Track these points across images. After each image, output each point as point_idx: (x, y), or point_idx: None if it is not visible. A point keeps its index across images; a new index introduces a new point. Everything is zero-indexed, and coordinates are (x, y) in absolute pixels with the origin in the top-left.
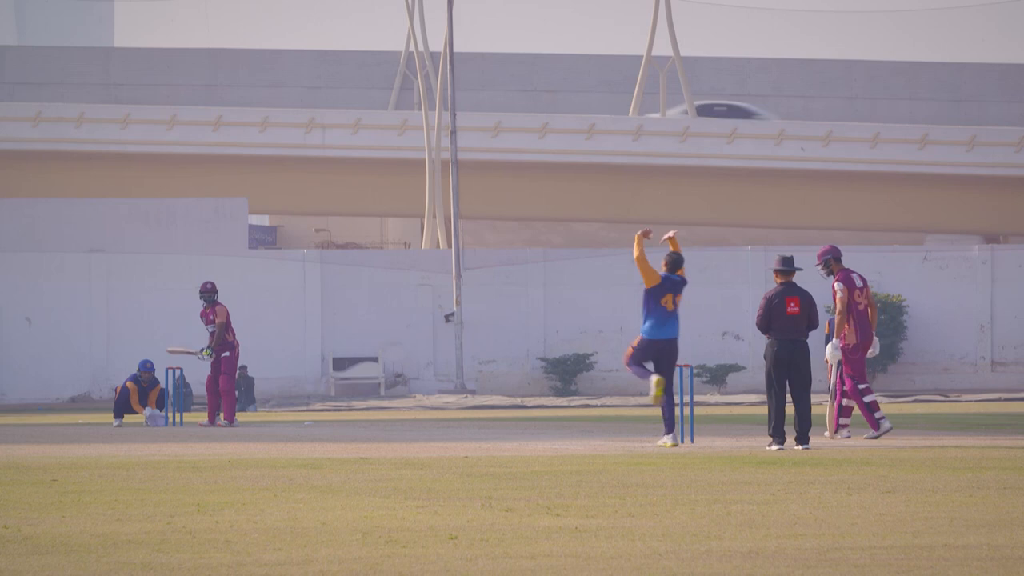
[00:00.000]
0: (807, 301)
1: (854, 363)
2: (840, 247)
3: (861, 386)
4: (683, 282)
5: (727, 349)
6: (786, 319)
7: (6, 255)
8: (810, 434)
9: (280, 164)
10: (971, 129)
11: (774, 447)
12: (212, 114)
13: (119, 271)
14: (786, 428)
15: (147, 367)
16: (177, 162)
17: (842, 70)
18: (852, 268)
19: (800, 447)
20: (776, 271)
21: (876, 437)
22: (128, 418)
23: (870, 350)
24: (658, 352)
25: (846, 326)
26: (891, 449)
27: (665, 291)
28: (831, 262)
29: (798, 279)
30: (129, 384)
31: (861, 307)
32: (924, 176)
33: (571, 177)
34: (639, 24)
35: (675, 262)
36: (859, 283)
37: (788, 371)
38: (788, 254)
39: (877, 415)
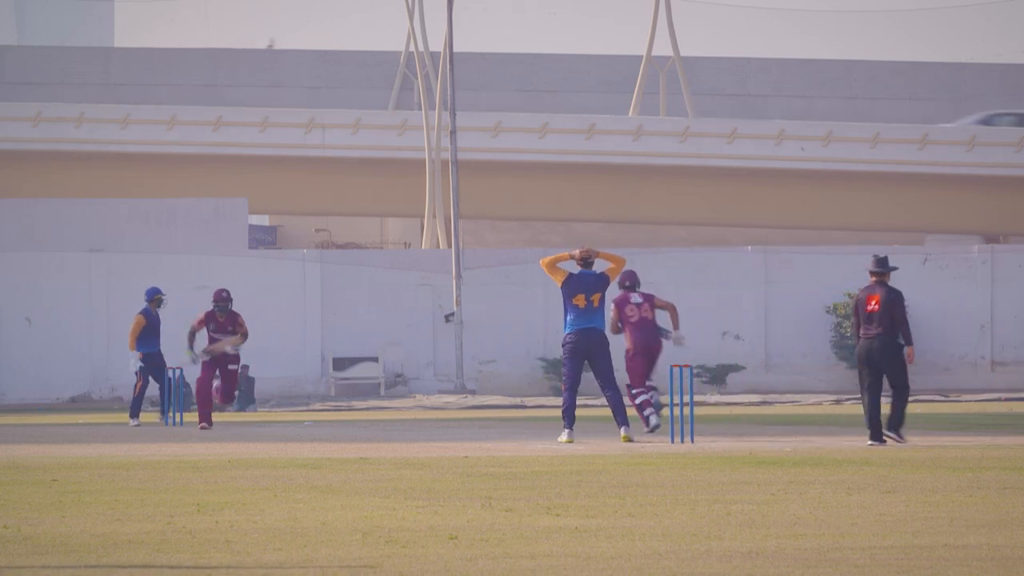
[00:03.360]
0: (888, 299)
1: (631, 368)
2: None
3: (635, 390)
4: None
5: (727, 349)
6: (866, 316)
7: (6, 255)
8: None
9: (280, 164)
10: (971, 129)
11: (869, 443)
12: (212, 114)
13: (119, 271)
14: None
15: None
16: (177, 162)
17: (842, 70)
18: (634, 290)
19: (885, 435)
20: (870, 272)
21: (649, 431)
22: (144, 416)
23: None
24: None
25: (625, 334)
26: (891, 449)
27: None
28: (624, 285)
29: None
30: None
31: (634, 320)
32: (924, 176)
33: (571, 177)
34: (639, 24)
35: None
36: (636, 299)
37: (870, 367)
38: (883, 255)
39: (646, 412)
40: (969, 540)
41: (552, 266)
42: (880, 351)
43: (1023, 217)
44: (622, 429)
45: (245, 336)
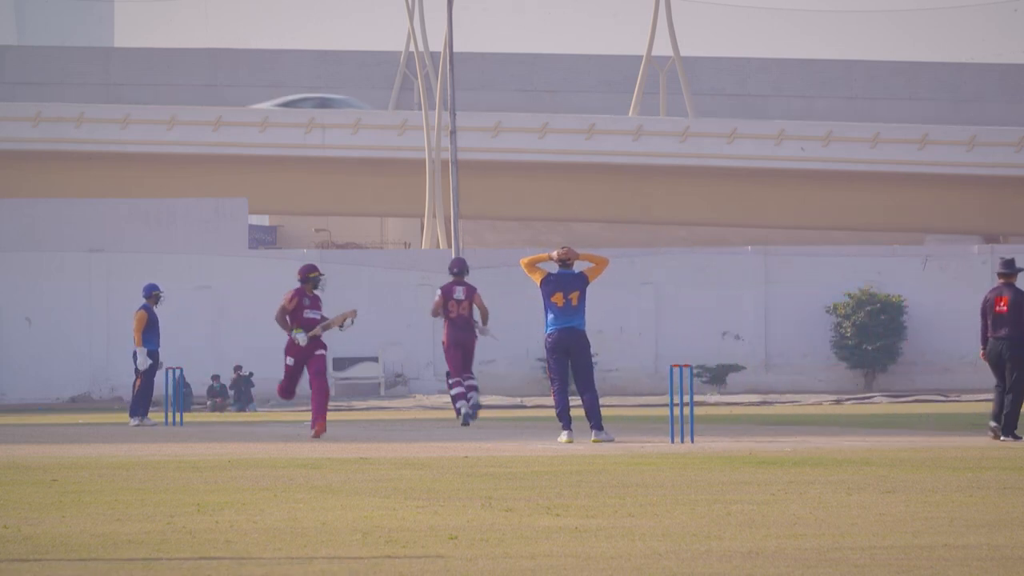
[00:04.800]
0: (1017, 301)
1: (448, 359)
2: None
3: (451, 380)
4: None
5: (727, 349)
6: (994, 317)
7: (6, 255)
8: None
9: (280, 164)
10: (971, 129)
11: (1001, 439)
12: (212, 114)
13: (119, 271)
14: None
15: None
16: (177, 162)
17: (842, 70)
18: (466, 283)
19: (1002, 439)
20: (998, 273)
21: (462, 423)
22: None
23: (483, 335)
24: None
25: (444, 328)
26: (891, 449)
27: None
28: (454, 273)
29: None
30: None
31: (453, 315)
32: (924, 176)
33: (571, 177)
34: (639, 24)
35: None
36: (459, 295)
37: (998, 368)
38: (1009, 256)
39: (457, 404)
40: (969, 540)
41: (531, 266)
42: (1008, 352)
43: (1023, 217)
44: (594, 432)
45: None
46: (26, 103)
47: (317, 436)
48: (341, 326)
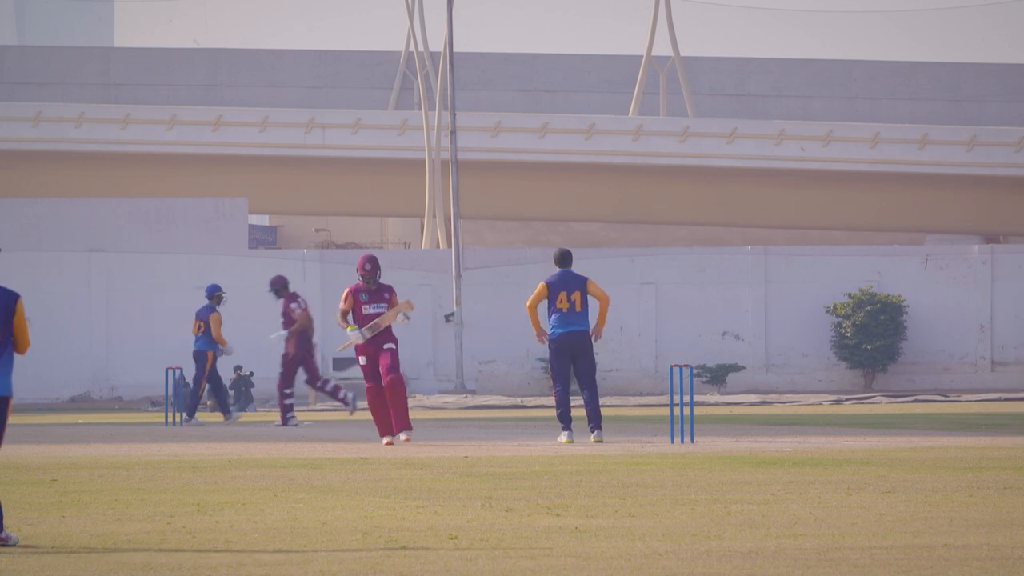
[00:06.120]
0: None
1: (288, 370)
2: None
3: (287, 391)
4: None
5: (727, 349)
6: None
7: (6, 255)
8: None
9: (280, 164)
10: (971, 129)
11: None
12: (212, 114)
13: (119, 271)
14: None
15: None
16: (177, 162)
17: (842, 70)
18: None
19: None
20: None
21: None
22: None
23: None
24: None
25: (292, 340)
26: (891, 449)
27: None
28: (280, 290)
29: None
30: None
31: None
32: (924, 176)
33: (571, 177)
34: (639, 24)
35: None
36: (303, 306)
37: None
38: None
39: (288, 415)
40: (969, 540)
41: (535, 305)
42: None
43: (1023, 217)
44: (595, 433)
45: (409, 304)
46: (26, 103)
47: (407, 439)
48: (398, 321)
